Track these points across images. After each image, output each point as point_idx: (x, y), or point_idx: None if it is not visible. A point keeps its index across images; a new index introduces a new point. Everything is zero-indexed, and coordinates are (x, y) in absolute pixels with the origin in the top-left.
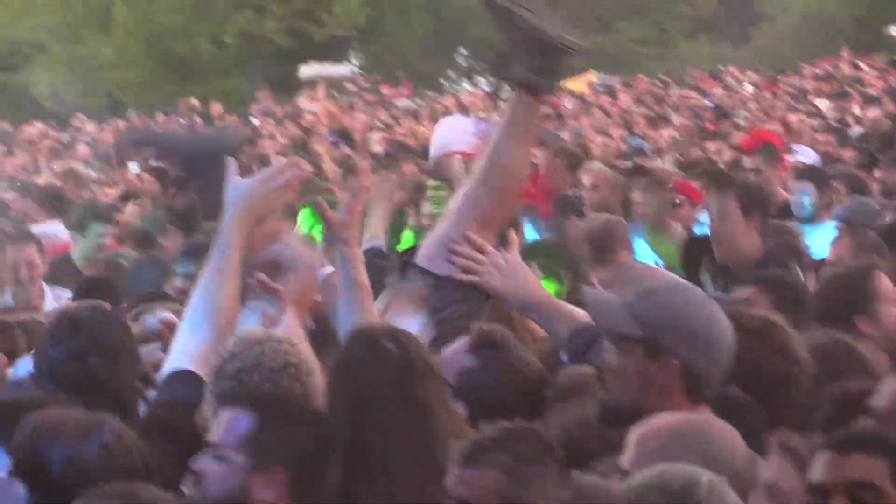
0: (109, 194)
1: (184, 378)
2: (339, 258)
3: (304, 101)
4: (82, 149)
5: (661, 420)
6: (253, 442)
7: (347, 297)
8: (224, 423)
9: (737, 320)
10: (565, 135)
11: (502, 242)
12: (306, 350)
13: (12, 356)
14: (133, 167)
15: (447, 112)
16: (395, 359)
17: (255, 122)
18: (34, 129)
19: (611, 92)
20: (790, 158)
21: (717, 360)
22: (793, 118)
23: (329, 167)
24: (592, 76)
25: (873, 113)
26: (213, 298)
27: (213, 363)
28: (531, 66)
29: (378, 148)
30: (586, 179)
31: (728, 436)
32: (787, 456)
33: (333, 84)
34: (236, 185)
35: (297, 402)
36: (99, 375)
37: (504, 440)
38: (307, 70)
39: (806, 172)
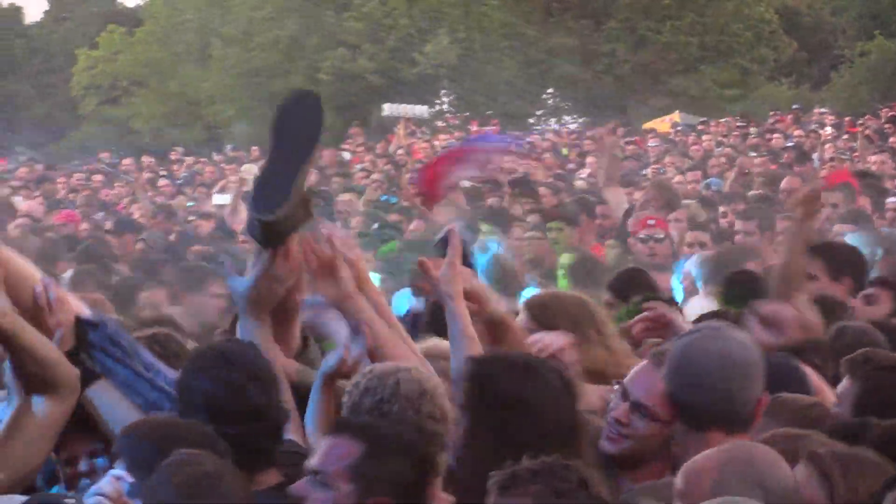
0: (203, 226)
1: None
2: (449, 313)
3: (395, 138)
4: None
5: (708, 455)
6: (359, 471)
7: (458, 350)
8: (329, 451)
9: (871, 359)
10: (648, 173)
11: None
12: (430, 372)
13: None
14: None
15: (534, 149)
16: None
17: (347, 156)
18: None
19: (694, 132)
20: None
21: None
22: (873, 159)
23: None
24: (676, 117)
25: None
26: None
27: (345, 400)
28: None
29: (467, 183)
30: (679, 215)
31: (771, 458)
32: (814, 468)
33: (425, 122)
34: (236, 288)
35: (404, 433)
36: (258, 405)
37: (540, 472)
38: (389, 109)
39: None
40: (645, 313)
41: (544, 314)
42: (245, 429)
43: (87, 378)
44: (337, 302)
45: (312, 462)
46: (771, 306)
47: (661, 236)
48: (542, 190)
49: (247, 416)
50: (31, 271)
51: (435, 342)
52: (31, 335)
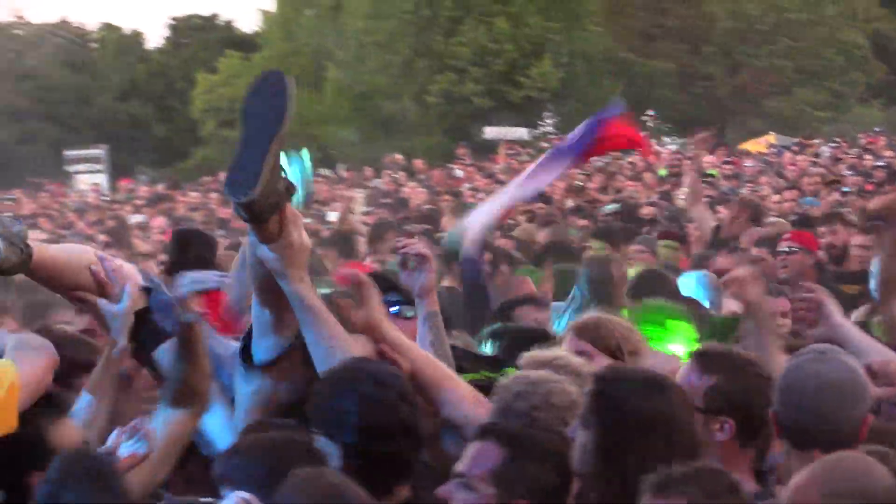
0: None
1: None
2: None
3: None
4: None
5: (811, 470)
6: (502, 475)
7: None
8: (474, 455)
9: None
10: (745, 192)
11: None
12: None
13: None
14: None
15: (634, 169)
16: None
17: (459, 173)
18: None
19: (789, 152)
20: None
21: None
22: None
23: (523, 220)
24: (772, 138)
25: None
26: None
27: (494, 401)
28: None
29: (571, 203)
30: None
31: (867, 463)
32: None
33: (530, 143)
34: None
35: (545, 440)
36: (406, 422)
37: (694, 475)
38: (490, 131)
39: None
40: (805, 295)
41: (587, 337)
42: (395, 445)
43: (154, 340)
44: (365, 328)
45: (458, 466)
46: (879, 361)
47: (795, 249)
48: (647, 209)
49: (397, 433)
50: (83, 253)
51: (560, 353)
52: (204, 345)
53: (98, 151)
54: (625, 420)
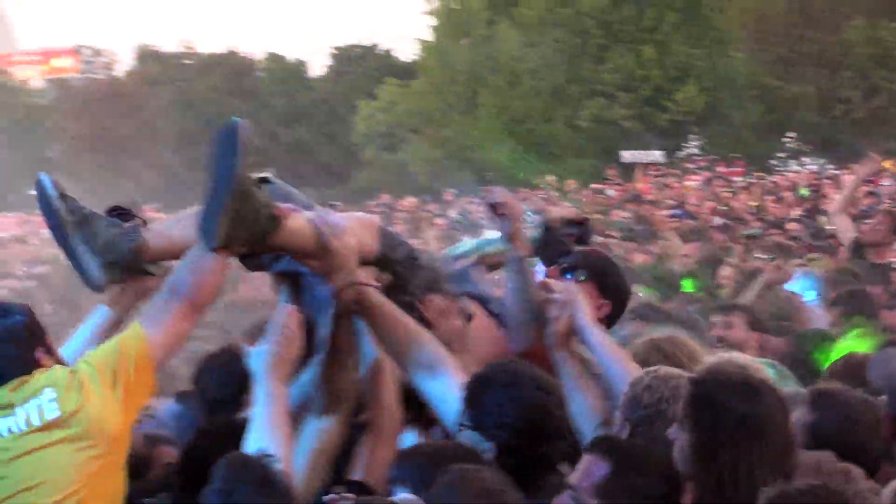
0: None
1: None
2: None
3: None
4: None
5: None
6: (606, 488)
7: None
8: (584, 468)
9: None
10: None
11: None
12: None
13: None
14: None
15: (776, 189)
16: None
17: (611, 193)
18: (411, 202)
19: None
20: None
21: None
22: None
23: (672, 237)
24: None
25: None
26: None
27: (626, 392)
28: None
29: (718, 220)
30: None
31: None
32: None
33: (675, 164)
34: (255, 354)
35: (651, 452)
36: (560, 426)
37: (808, 493)
38: (627, 155)
39: None
40: None
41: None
42: (548, 447)
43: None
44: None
45: (572, 478)
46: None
47: None
48: (792, 224)
49: (552, 436)
50: (304, 224)
51: (674, 333)
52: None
53: (265, 174)
54: (720, 421)
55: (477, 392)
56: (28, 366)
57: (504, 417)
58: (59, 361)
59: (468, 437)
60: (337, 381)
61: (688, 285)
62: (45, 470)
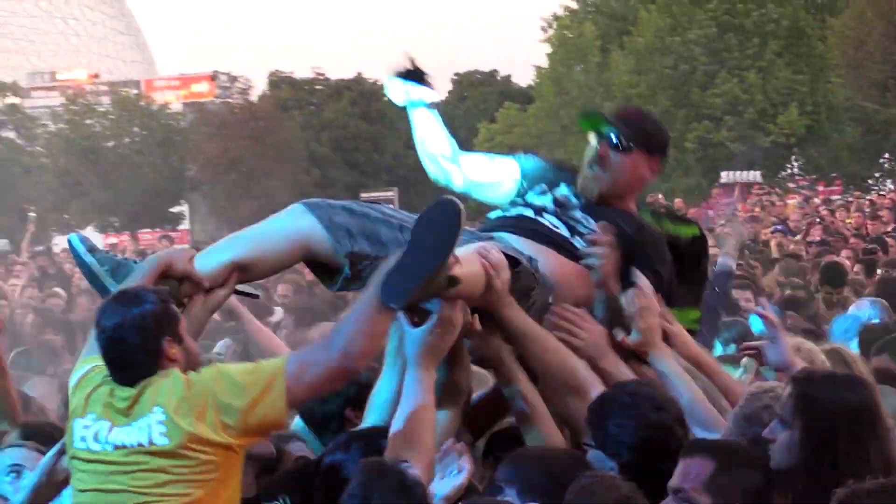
0: None
1: None
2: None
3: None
4: None
5: None
6: (714, 484)
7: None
8: (685, 471)
9: None
10: None
11: None
12: None
13: None
14: None
15: (872, 206)
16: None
17: (711, 213)
18: None
19: None
20: None
21: None
22: None
23: (774, 249)
24: None
25: None
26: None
27: (591, 412)
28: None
29: (816, 236)
30: None
31: None
32: None
33: (778, 182)
34: (411, 337)
35: (749, 448)
36: (676, 437)
37: (880, 492)
38: (725, 176)
39: None
40: None
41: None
42: (670, 465)
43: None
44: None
45: (673, 482)
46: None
47: None
48: (891, 240)
49: (673, 453)
50: (474, 272)
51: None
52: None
53: (390, 193)
54: (828, 415)
55: (599, 414)
56: (151, 355)
57: (625, 438)
58: (188, 350)
59: (593, 457)
60: (455, 374)
61: None
62: (145, 490)
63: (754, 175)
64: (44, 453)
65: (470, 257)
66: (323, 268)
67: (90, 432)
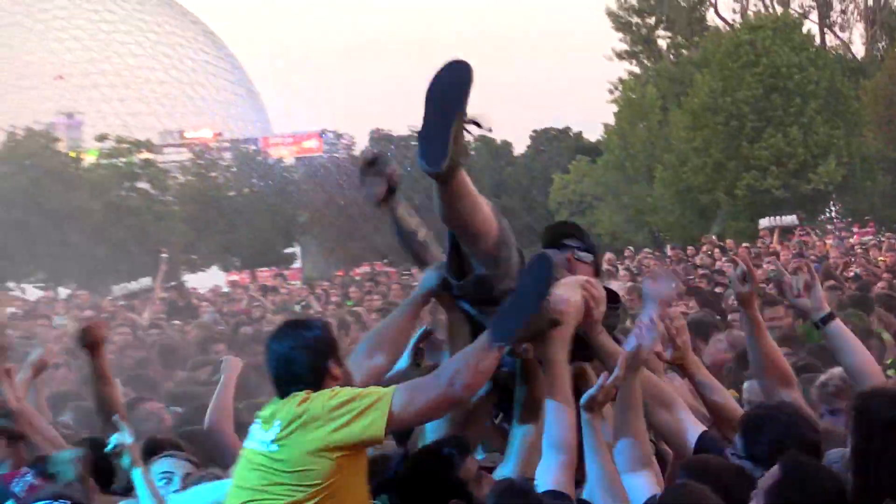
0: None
1: None
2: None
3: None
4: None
5: None
6: (775, 492)
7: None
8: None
9: None
10: None
11: None
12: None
13: None
14: None
15: None
16: None
17: (755, 251)
18: (609, 257)
19: None
20: None
21: None
22: None
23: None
24: None
25: None
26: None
27: (748, 425)
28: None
29: (851, 273)
30: None
31: None
32: None
33: (819, 226)
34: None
35: (814, 462)
36: (821, 455)
37: None
38: (763, 221)
39: None
40: None
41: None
42: None
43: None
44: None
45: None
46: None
47: None
48: None
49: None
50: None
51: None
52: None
53: None
54: (881, 427)
55: (756, 426)
56: (318, 373)
57: (780, 451)
58: (347, 374)
59: (748, 466)
60: (534, 391)
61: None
62: (261, 488)
63: (790, 219)
64: (193, 462)
65: (574, 288)
66: (460, 264)
67: (252, 430)
